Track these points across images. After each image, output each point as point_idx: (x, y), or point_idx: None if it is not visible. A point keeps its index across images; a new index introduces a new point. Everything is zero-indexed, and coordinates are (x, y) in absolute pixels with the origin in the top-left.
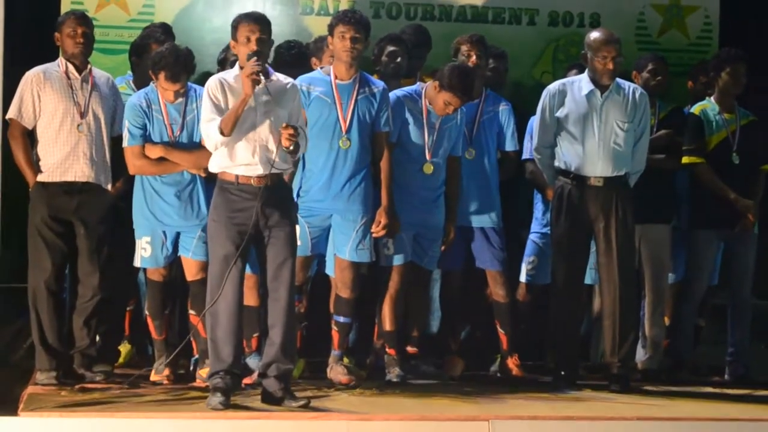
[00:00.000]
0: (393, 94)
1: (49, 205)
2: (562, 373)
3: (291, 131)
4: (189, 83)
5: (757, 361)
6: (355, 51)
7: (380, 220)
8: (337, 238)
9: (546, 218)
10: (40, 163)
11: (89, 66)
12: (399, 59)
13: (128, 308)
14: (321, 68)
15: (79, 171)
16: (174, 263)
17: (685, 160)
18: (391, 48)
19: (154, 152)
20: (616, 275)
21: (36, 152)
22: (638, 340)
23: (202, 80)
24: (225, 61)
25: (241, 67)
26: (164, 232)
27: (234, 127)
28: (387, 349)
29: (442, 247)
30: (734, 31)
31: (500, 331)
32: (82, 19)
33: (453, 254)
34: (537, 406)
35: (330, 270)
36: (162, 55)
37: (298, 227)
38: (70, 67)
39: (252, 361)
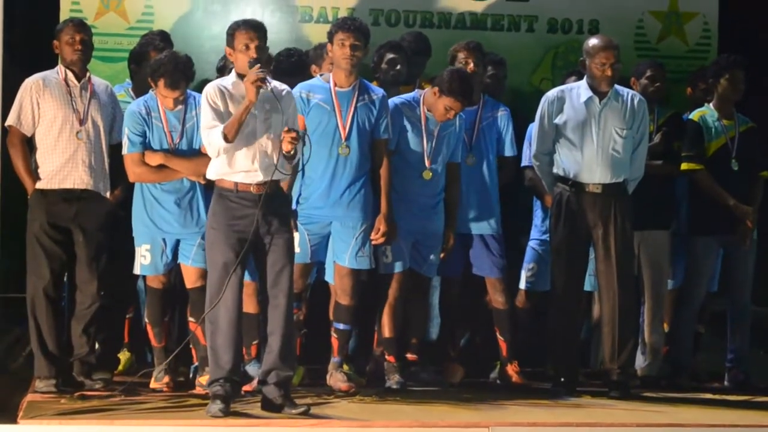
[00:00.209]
0: (390, 102)
1: (47, 212)
2: (562, 379)
3: (293, 135)
4: (188, 90)
5: (756, 368)
6: (355, 58)
7: (379, 227)
8: (336, 245)
9: (545, 225)
10: (39, 171)
11: (88, 73)
12: (398, 66)
13: (127, 316)
14: (320, 75)
15: (78, 178)
16: (173, 271)
17: (684, 166)
18: (390, 55)
19: (153, 160)
20: (615, 282)
21: (35, 159)
22: (638, 346)
23: (201, 88)
24: (224, 69)
25: (238, 74)
26: (164, 240)
27: (237, 133)
28: (386, 356)
29: (442, 255)
30: (733, 38)
31: (500, 337)
32: (80, 26)
33: (452, 261)
34: (537, 413)
35: (329, 277)
36: (161, 63)
37: (297, 234)
38: (69, 75)
39: (252, 369)
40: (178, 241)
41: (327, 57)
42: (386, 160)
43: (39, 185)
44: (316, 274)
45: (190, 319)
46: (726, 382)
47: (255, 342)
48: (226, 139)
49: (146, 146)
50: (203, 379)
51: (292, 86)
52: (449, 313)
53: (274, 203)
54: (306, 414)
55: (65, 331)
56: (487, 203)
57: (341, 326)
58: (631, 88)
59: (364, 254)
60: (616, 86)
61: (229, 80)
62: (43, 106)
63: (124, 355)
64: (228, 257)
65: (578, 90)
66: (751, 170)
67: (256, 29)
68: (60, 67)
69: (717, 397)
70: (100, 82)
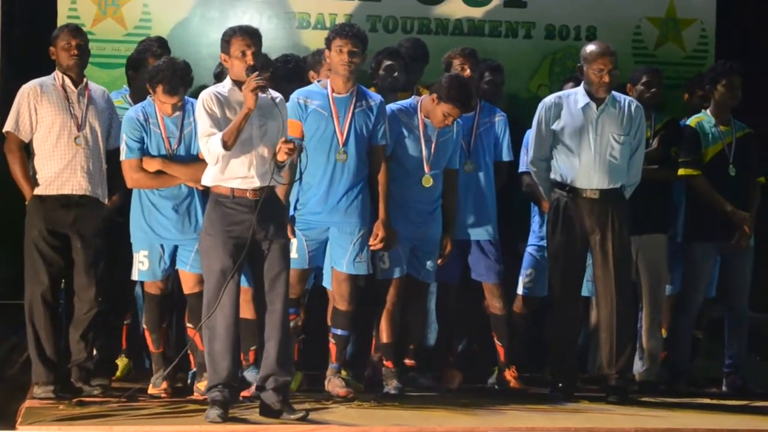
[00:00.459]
0: (387, 108)
1: (46, 218)
2: (560, 384)
3: (291, 146)
4: (186, 97)
5: (754, 373)
6: (353, 65)
7: (377, 233)
8: (334, 251)
9: (543, 231)
10: (37, 176)
11: (85, 79)
12: (396, 73)
13: (125, 322)
14: (318, 82)
15: (77, 184)
16: (171, 276)
17: (681, 172)
18: (388, 62)
19: (151, 165)
20: (612, 288)
21: (32, 165)
22: (636, 351)
23: (198, 94)
24: (221, 75)
25: (234, 80)
26: (162, 246)
27: (236, 139)
28: (385, 362)
29: (439, 261)
30: (730, 44)
31: (497, 343)
32: (75, 31)
33: (449, 267)
34: (535, 418)
35: (327, 283)
36: (159, 69)
37: (295, 240)
38: (67, 80)
39: (250, 374)
40: (176, 247)
41: (325, 63)
42: (384, 166)
43: (37, 191)
44: (314, 279)
45: (188, 325)
46: (724, 388)
47: (253, 348)
48: (225, 145)
49: (144, 152)
50: (201, 385)
51: (289, 92)
52: (447, 319)
53: (270, 209)
54: (304, 419)
55: (63, 337)
56: (484, 209)
57: (339, 332)
58: (627, 94)
59: (362, 260)
60: (614, 93)
61: (225, 87)
62: (41, 112)
63: (121, 361)
64: (225, 263)
65: (575, 96)
66: (748, 176)
67: (252, 36)
68: (57, 73)
69: (715, 402)
70: (96, 88)
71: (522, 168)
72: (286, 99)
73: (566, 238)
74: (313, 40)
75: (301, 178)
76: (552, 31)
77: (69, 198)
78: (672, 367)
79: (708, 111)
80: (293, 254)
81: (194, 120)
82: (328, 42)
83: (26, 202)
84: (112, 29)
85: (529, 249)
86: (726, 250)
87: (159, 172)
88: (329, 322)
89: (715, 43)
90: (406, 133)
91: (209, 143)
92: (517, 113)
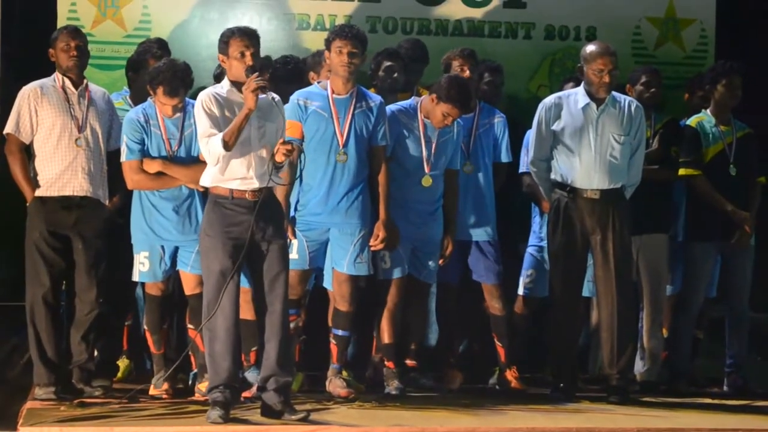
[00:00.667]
0: (387, 109)
1: (47, 220)
2: (561, 385)
3: (289, 147)
4: (186, 98)
5: (754, 373)
6: (352, 65)
7: (378, 233)
8: (335, 251)
9: (543, 231)
10: (38, 178)
11: (85, 81)
12: (396, 74)
13: (126, 323)
14: (318, 83)
15: (78, 185)
16: (172, 278)
17: (682, 172)
18: (388, 63)
19: (152, 167)
20: (613, 288)
21: (33, 167)
22: (636, 351)
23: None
24: (221, 76)
25: (232, 81)
26: (162, 247)
27: (237, 140)
28: (386, 362)
29: (441, 261)
30: (730, 44)
31: (498, 343)
32: (74, 32)
33: (450, 267)
34: (536, 418)
35: (328, 284)
36: (160, 70)
37: (296, 241)
38: (67, 82)
39: (251, 375)
40: (176, 248)
41: (324, 64)
42: (384, 166)
43: (38, 193)
44: (314, 280)
45: (189, 326)
46: (725, 387)
47: (254, 348)
48: (225, 146)
49: (145, 154)
50: (202, 386)
51: (289, 93)
52: (447, 320)
53: (269, 210)
54: (305, 420)
55: (64, 339)
56: (483, 210)
57: (340, 332)
58: (627, 94)
59: (363, 260)
60: (614, 93)
61: (223, 88)
62: (42, 114)
63: (123, 363)
64: (224, 264)
65: (576, 96)
66: (749, 176)
67: (250, 37)
68: (57, 75)
69: (716, 402)
70: (96, 89)
71: (522, 168)
72: (286, 100)
73: (567, 238)
74: (313, 41)
75: (300, 178)
76: (552, 31)
77: (70, 199)
78: (673, 367)
79: (708, 111)
80: (294, 255)
81: (195, 121)
82: (328, 43)
83: (27, 204)
84: (112, 31)
85: (530, 249)
86: (726, 249)
87: (159, 174)
88: (330, 323)
89: (715, 43)
90: (406, 133)
91: (209, 144)
92: (516, 114)
